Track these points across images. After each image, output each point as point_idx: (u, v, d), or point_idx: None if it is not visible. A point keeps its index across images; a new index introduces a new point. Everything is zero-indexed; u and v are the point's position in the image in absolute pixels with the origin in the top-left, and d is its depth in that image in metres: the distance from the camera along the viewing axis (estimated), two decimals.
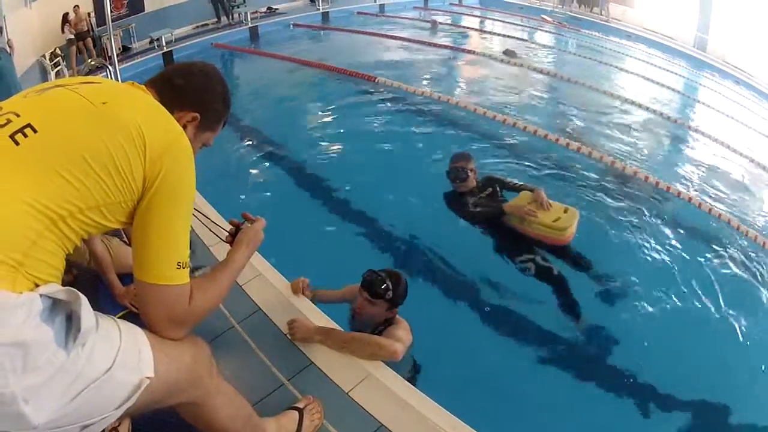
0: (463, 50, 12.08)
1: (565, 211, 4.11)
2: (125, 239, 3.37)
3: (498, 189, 4.42)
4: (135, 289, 1.43)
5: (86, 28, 10.66)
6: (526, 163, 6.13)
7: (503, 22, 18.35)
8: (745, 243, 5.13)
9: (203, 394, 1.56)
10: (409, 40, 12.89)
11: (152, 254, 1.36)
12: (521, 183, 4.45)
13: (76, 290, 1.20)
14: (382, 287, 2.78)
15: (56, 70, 9.67)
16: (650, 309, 3.99)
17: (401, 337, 2.71)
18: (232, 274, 1.63)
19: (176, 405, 1.54)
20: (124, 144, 1.30)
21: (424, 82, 9.43)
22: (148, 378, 1.31)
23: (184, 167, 1.41)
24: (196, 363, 1.50)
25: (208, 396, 1.58)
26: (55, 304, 1.16)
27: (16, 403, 1.06)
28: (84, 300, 1.20)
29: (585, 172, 6.03)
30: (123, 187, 1.31)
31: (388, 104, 8.02)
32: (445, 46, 12.22)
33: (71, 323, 1.18)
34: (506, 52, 12.09)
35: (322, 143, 6.55)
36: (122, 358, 1.26)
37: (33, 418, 1.09)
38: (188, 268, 1.42)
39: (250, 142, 6.68)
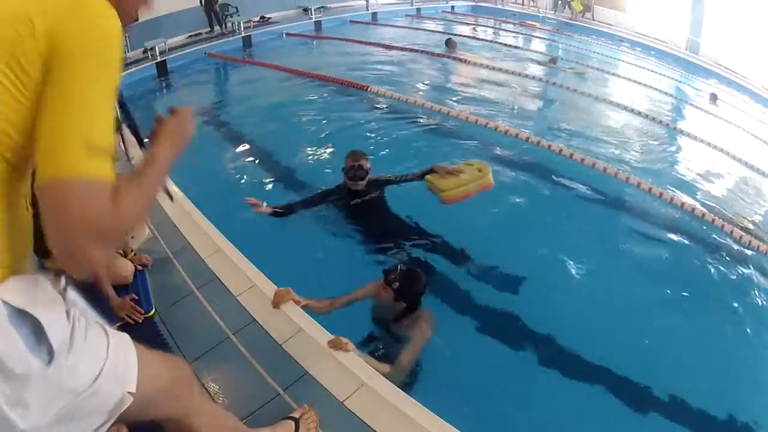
0: (457, 59, 12.11)
1: (470, 164, 4.30)
2: (120, 251, 3.40)
3: (383, 193, 4.46)
4: (39, 201, 1.03)
5: None
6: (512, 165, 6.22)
7: (498, 29, 18.52)
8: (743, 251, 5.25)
9: (184, 415, 1.56)
10: (402, 49, 12.94)
11: (56, 137, 1.02)
12: (415, 172, 4.41)
13: (44, 289, 1.14)
14: (392, 276, 3.08)
15: None
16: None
17: (409, 349, 3.00)
18: (158, 173, 1.27)
19: (160, 421, 1.54)
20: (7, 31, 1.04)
21: (418, 91, 9.47)
22: (130, 394, 1.29)
23: (91, 29, 1.10)
24: (174, 383, 1.49)
25: (190, 416, 1.58)
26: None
27: (1, 407, 1.06)
28: (52, 306, 1.15)
29: (582, 180, 6.10)
30: (17, 84, 1.05)
31: (382, 113, 8.05)
32: (439, 55, 12.25)
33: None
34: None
35: (316, 153, 6.56)
36: (107, 372, 1.23)
37: (20, 422, 1.09)
38: (111, 161, 1.07)
39: (243, 152, 6.69)
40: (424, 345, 3.09)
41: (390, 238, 4.31)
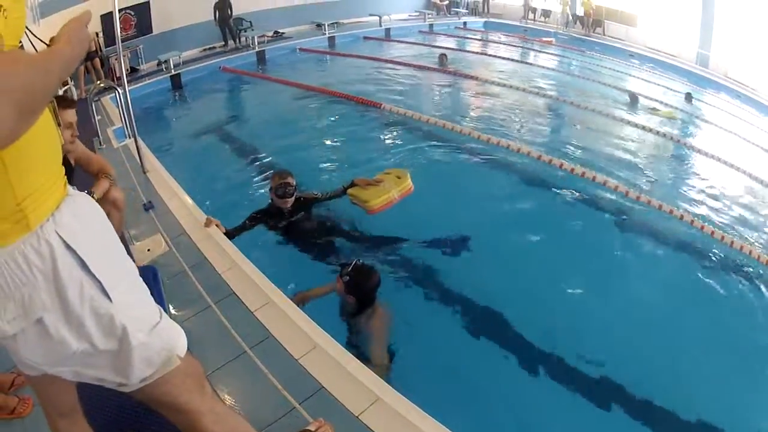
0: (469, 76, 12.19)
1: (389, 173, 4.60)
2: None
3: (311, 210, 4.57)
4: None
5: (94, 48, 10.82)
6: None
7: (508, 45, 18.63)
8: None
9: (196, 410, 1.61)
10: (415, 66, 13.02)
11: None
12: (337, 188, 4.59)
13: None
14: (346, 268, 3.32)
15: (65, 89, 9.81)
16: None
17: (375, 349, 3.22)
18: (51, 57, 1.17)
19: (171, 411, 1.60)
20: None
21: (430, 109, 9.52)
22: (179, 357, 1.48)
23: None
24: (188, 375, 1.59)
25: (200, 414, 1.62)
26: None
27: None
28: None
29: (594, 199, 6.15)
30: None
31: (394, 131, 8.12)
32: (451, 72, 12.34)
33: None
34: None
35: (328, 170, 6.64)
36: (161, 329, 1.45)
37: (73, 343, 1.30)
38: None
39: (257, 166, 6.77)
40: (386, 338, 3.29)
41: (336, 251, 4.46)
